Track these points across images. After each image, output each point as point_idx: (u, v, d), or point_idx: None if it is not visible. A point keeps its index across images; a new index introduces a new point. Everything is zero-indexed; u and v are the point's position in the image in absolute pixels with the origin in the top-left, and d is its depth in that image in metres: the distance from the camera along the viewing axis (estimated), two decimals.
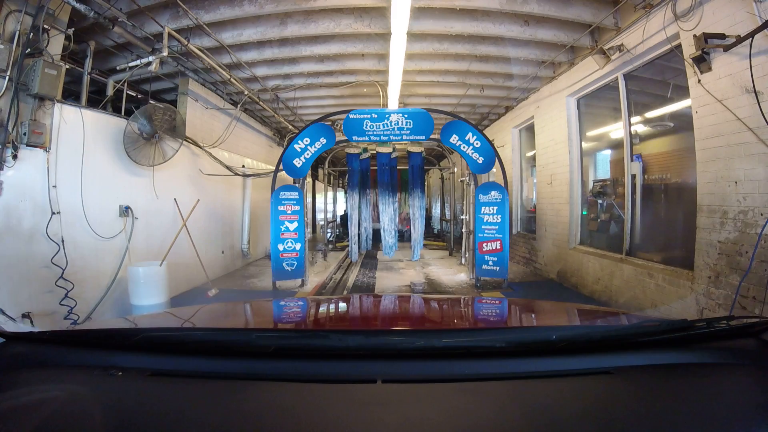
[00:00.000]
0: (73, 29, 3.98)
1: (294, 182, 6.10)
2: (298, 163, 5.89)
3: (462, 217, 8.37)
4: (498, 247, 5.81)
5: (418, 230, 7.99)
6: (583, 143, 5.96)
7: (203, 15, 4.49)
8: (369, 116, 5.80)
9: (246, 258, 7.97)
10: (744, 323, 1.01)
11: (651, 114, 4.72)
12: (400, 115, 5.80)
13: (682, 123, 4.01)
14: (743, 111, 3.08)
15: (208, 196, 6.46)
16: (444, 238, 12.31)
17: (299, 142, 5.86)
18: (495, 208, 5.84)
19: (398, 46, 4.59)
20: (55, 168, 3.82)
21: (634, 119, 4.84)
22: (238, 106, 7.14)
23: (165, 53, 4.50)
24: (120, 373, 0.89)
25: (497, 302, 2.33)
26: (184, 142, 5.49)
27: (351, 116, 5.81)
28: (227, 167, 6.88)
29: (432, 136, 5.95)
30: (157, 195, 5.16)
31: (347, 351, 0.96)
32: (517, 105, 7.73)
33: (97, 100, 4.93)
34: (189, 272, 5.69)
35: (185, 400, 0.82)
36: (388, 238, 7.96)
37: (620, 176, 5.02)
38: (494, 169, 6.18)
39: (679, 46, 3.71)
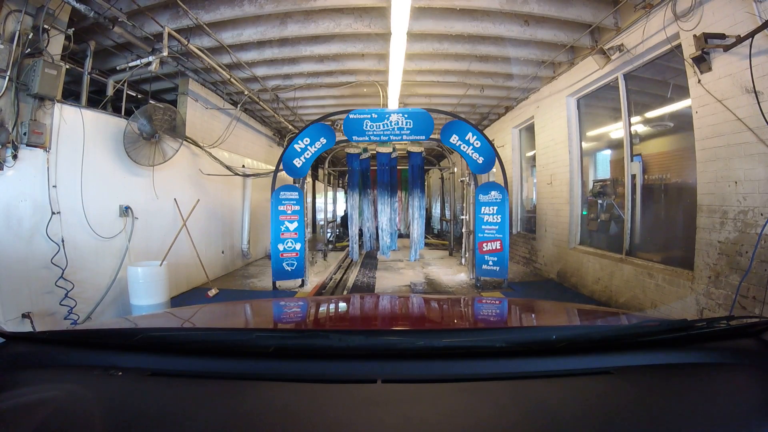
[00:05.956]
0: (73, 29, 3.98)
1: (294, 182, 6.10)
2: (298, 163, 5.89)
3: (462, 217, 8.37)
4: (498, 247, 5.81)
5: (417, 230, 7.99)
6: (583, 143, 5.96)
7: (203, 15, 4.50)
8: (369, 116, 5.80)
9: (246, 258, 7.97)
10: (744, 323, 1.01)
11: (651, 114, 4.72)
12: (400, 115, 5.80)
13: (682, 123, 4.01)
14: (743, 111, 3.08)
15: (208, 196, 6.47)
16: (444, 238, 12.31)
17: (299, 142, 5.86)
18: (495, 208, 5.84)
19: (398, 46, 4.59)
20: (55, 168, 3.82)
21: (634, 119, 4.84)
22: (238, 106, 7.15)
23: (165, 53, 4.51)
24: (120, 373, 0.90)
25: (497, 302, 2.33)
26: (184, 142, 5.49)
27: (351, 116, 5.81)
28: (227, 167, 6.88)
29: (432, 136, 5.95)
30: (157, 195, 5.16)
31: (347, 351, 0.95)
32: (517, 105, 7.73)
33: (97, 100, 4.93)
34: (189, 272, 5.69)
35: (185, 400, 0.82)
36: (387, 238, 7.96)
37: (620, 176, 5.02)
38: (494, 169, 6.18)
39: (679, 46, 3.71)
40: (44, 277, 3.69)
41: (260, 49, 5.49)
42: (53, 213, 3.78)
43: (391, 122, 5.78)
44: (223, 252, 7.12)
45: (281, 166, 5.90)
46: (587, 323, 1.45)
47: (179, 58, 5.39)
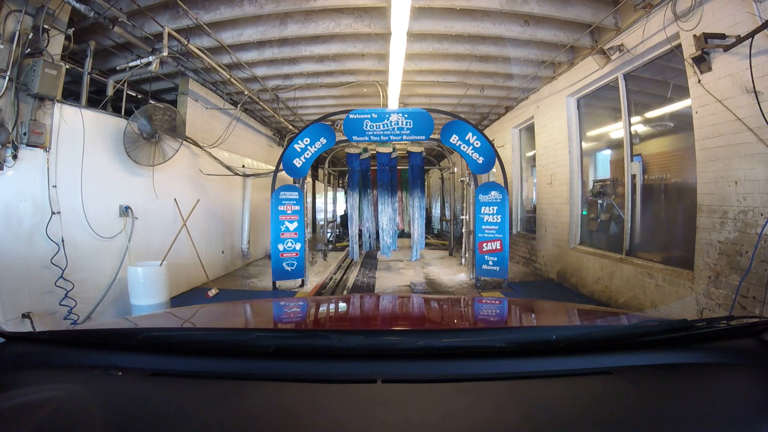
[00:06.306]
0: (73, 29, 3.98)
1: (294, 182, 6.10)
2: (298, 163, 5.89)
3: (462, 217, 8.37)
4: (498, 247, 5.81)
5: (418, 230, 7.99)
6: (583, 143, 5.96)
7: (203, 15, 4.50)
8: (369, 116, 5.80)
9: (246, 258, 7.97)
10: (744, 323, 1.01)
11: (651, 114, 4.73)
12: (400, 115, 5.80)
13: (682, 123, 4.01)
14: (743, 111, 3.08)
15: (208, 196, 6.47)
16: (444, 238, 12.31)
17: (299, 142, 5.86)
18: (495, 208, 5.84)
19: (398, 46, 4.59)
20: (55, 168, 3.82)
21: (634, 119, 4.84)
22: (238, 106, 7.14)
23: (165, 53, 4.51)
24: (120, 373, 0.90)
25: (497, 302, 2.33)
26: (184, 142, 5.50)
27: (351, 116, 5.81)
28: (227, 167, 6.88)
29: (432, 136, 5.95)
30: (157, 195, 5.16)
31: (347, 351, 0.96)
32: (517, 105, 7.73)
33: (97, 100, 4.93)
34: (189, 272, 5.69)
35: (185, 400, 0.82)
36: (387, 238, 7.96)
37: (620, 176, 5.02)
38: (494, 169, 6.18)
39: (679, 46, 3.71)
40: (44, 277, 3.69)
41: (260, 49, 5.49)
42: (53, 213, 3.78)
43: (391, 122, 5.78)
44: (223, 252, 7.13)
45: (281, 166, 5.90)
46: (587, 323, 1.45)
47: (179, 58, 5.39)
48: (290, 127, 9.02)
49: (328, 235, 11.32)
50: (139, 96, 6.26)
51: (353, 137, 5.87)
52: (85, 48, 4.53)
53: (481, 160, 5.88)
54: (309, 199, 10.49)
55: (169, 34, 4.48)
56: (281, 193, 5.85)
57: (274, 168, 6.14)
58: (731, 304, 3.09)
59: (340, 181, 14.79)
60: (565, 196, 6.08)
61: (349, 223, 8.44)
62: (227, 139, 6.91)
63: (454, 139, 5.91)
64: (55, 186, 3.80)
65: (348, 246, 8.86)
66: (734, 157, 3.21)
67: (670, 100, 4.32)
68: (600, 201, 5.53)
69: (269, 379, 0.88)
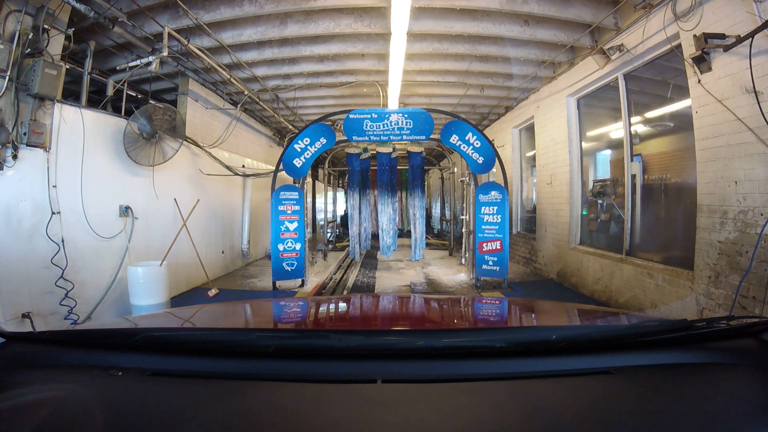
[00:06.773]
0: (73, 29, 3.98)
1: (294, 182, 6.10)
2: (298, 163, 5.89)
3: (462, 217, 8.37)
4: (498, 247, 5.81)
5: (418, 230, 8.00)
6: (583, 143, 5.96)
7: (203, 15, 4.50)
8: (369, 116, 5.80)
9: (246, 258, 7.97)
10: (744, 323, 1.01)
11: (651, 114, 4.73)
12: (400, 115, 5.80)
13: (682, 123, 4.01)
14: (743, 111, 3.08)
15: (208, 196, 6.47)
16: (444, 238, 12.31)
17: (299, 142, 5.86)
18: (495, 208, 5.84)
19: (398, 46, 4.59)
20: (55, 168, 3.82)
21: (634, 119, 4.84)
22: (238, 106, 7.15)
23: (165, 53, 4.51)
24: (120, 373, 0.90)
25: (497, 302, 2.33)
26: (184, 142, 5.49)
27: (351, 116, 5.81)
28: (227, 167, 6.88)
29: (432, 136, 5.95)
30: (157, 195, 5.16)
31: (347, 351, 0.96)
32: (517, 105, 7.73)
33: (97, 100, 4.93)
34: (189, 272, 5.69)
35: (185, 400, 0.82)
36: (387, 238, 7.97)
37: (620, 176, 5.02)
38: (494, 169, 6.18)
39: (679, 46, 3.71)
40: (44, 277, 3.69)
41: (260, 49, 5.49)
42: (53, 213, 3.77)
43: (391, 122, 5.78)
44: (223, 252, 7.12)
45: (281, 166, 5.90)
46: (587, 323, 1.45)
47: (179, 58, 5.39)
48: (290, 127, 9.02)
49: (328, 235, 11.32)
50: (139, 96, 6.26)
51: (353, 137, 5.87)
52: (85, 48, 4.53)
53: (481, 160, 5.88)
54: (309, 199, 10.48)
55: (169, 34, 4.48)
56: (281, 193, 5.85)
57: (274, 168, 6.14)
58: (731, 304, 3.09)
59: (340, 181, 14.79)
60: (565, 196, 6.08)
61: (349, 223, 8.44)
62: (227, 139, 6.91)
63: (454, 139, 5.91)
64: (55, 186, 3.80)
65: (348, 246, 8.86)
66: (734, 157, 3.21)
67: (670, 100, 4.32)
68: (600, 201, 5.53)
69: (269, 379, 0.88)
